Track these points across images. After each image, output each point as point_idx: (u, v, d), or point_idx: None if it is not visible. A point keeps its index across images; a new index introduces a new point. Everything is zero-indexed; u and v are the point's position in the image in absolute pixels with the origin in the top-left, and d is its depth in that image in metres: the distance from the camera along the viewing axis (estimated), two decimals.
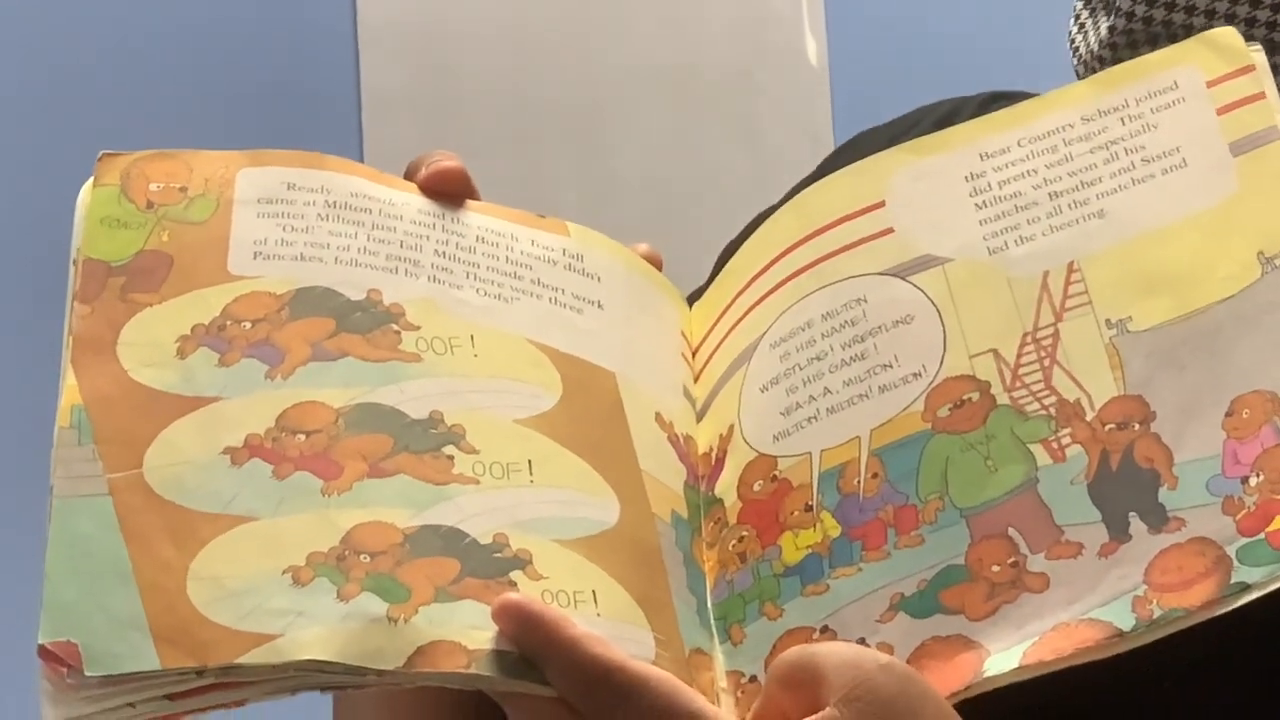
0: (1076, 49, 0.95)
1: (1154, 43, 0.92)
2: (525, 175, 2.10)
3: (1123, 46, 0.92)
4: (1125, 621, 0.74)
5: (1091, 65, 0.94)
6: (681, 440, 0.85)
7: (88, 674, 0.71)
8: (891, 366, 0.82)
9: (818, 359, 0.83)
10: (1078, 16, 0.96)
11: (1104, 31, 0.93)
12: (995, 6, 2.27)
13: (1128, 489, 0.76)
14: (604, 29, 2.17)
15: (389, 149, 2.05)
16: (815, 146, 2.19)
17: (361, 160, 2.02)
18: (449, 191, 0.87)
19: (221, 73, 2.03)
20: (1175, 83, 0.83)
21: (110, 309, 0.80)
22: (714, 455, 0.85)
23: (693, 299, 0.93)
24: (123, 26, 2.00)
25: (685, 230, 2.11)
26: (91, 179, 0.83)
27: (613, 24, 2.17)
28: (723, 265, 1.04)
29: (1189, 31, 0.90)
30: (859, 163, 0.88)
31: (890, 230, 0.85)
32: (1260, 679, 0.82)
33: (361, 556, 0.75)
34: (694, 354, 0.89)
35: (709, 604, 0.81)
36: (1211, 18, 0.90)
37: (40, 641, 0.71)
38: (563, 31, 2.15)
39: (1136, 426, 0.77)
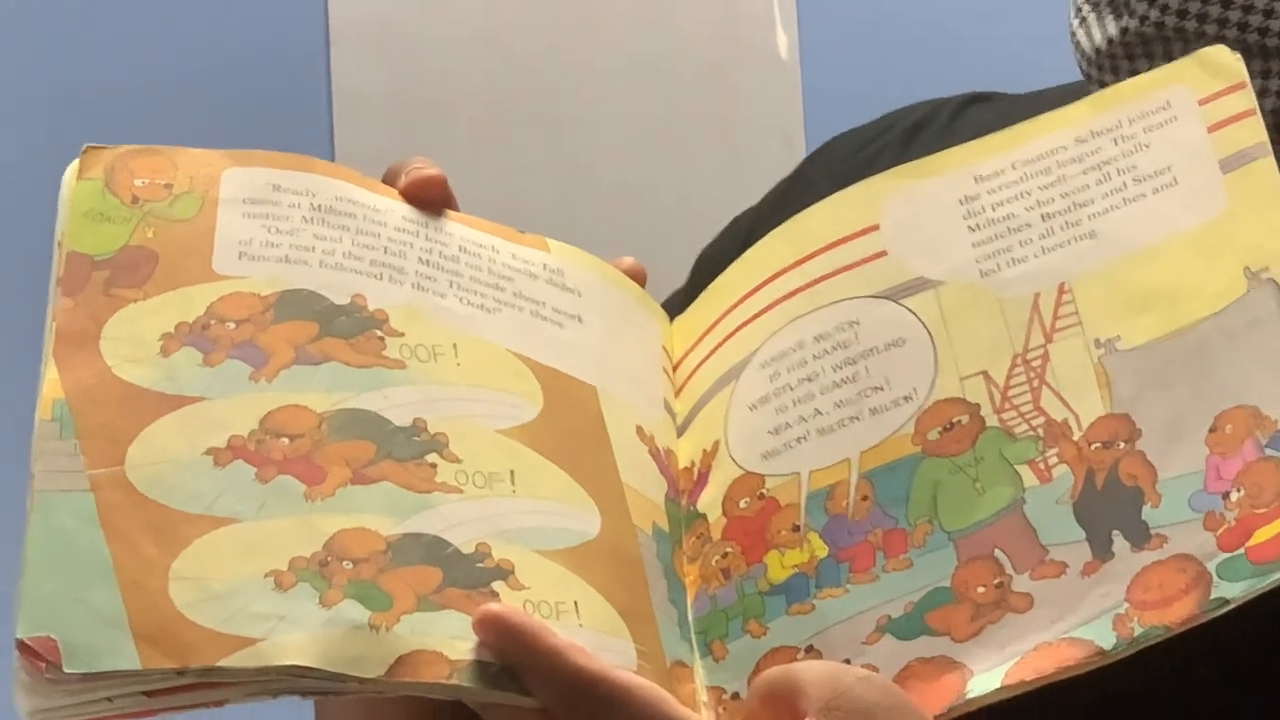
0: (1079, 44, 0.95)
1: (1166, 43, 0.91)
2: (498, 173, 2.09)
3: (1135, 45, 0.92)
4: (1106, 640, 0.75)
5: (1099, 63, 0.94)
6: (663, 454, 0.86)
7: (67, 670, 0.71)
8: (883, 389, 0.82)
9: (808, 380, 0.84)
10: (1079, 10, 0.95)
11: (1114, 30, 0.92)
12: (968, 1, 2.27)
13: (1112, 507, 0.77)
14: (574, 28, 2.17)
15: (360, 149, 2.04)
16: (787, 142, 2.19)
17: (332, 160, 2.02)
18: (431, 199, 0.87)
19: (191, 72, 2.02)
20: (1168, 102, 0.83)
21: (94, 303, 0.80)
22: (696, 470, 0.86)
23: (669, 305, 0.93)
24: (93, 25, 1.99)
25: (658, 226, 2.11)
26: (76, 163, 0.83)
27: (583, 22, 2.17)
28: (701, 270, 1.04)
29: (1201, 38, 0.90)
30: (853, 186, 0.88)
31: (884, 253, 0.85)
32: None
33: (344, 563, 0.75)
34: (675, 369, 0.90)
35: (690, 617, 0.82)
36: (1224, 26, 0.90)
37: (19, 636, 0.71)
38: (534, 31, 2.15)
39: (1122, 445, 0.78)
